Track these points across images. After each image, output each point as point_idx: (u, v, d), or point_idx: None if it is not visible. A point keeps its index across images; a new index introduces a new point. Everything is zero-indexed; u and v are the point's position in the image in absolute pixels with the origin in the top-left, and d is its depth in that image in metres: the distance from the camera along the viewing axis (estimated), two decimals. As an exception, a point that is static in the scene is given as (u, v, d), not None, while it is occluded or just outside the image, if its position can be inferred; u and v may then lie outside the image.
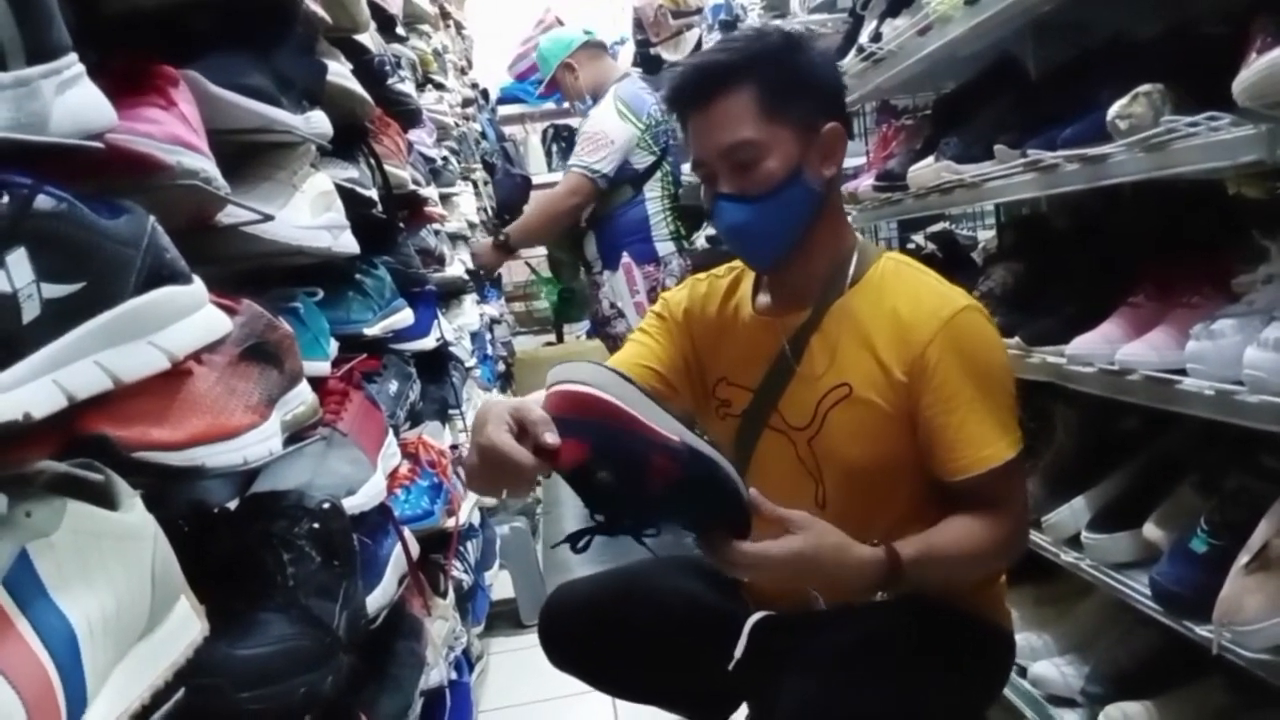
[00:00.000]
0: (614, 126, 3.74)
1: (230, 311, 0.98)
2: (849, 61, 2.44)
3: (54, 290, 0.68)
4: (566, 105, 4.47)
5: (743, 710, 1.60)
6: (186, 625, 0.80)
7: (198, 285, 0.88)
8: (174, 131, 0.94)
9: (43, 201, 0.69)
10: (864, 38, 2.34)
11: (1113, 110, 1.42)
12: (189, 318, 0.85)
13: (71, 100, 0.73)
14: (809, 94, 1.43)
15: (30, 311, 0.66)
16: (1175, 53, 1.49)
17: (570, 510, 4.03)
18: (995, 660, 1.52)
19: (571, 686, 1.64)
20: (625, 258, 3.76)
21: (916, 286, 1.44)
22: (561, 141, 5.68)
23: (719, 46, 1.46)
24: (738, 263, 1.58)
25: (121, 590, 0.71)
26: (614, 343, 3.73)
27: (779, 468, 1.46)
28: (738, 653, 1.37)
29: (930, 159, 2.10)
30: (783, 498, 1.38)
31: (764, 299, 1.53)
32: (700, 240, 4.05)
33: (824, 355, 1.44)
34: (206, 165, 0.97)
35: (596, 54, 3.98)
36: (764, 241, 1.44)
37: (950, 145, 2.03)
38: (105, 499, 0.73)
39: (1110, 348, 1.51)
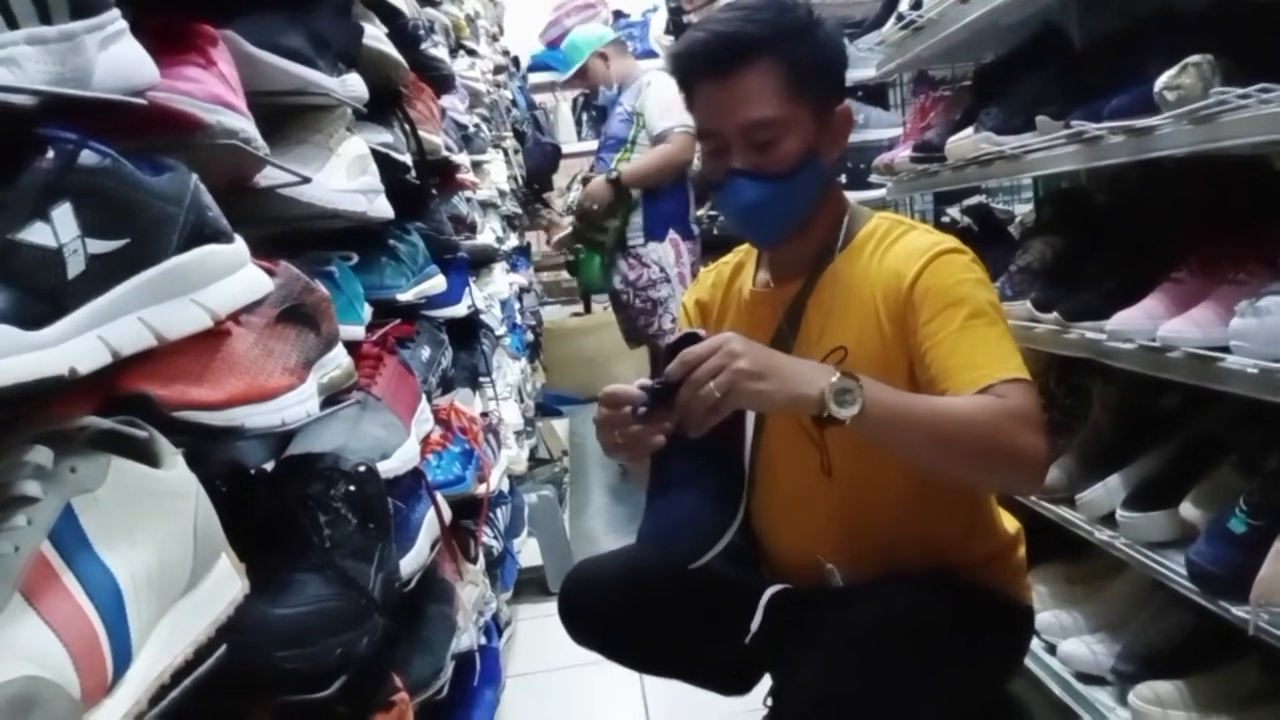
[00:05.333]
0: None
1: (268, 273, 0.98)
2: (888, 29, 2.40)
3: (98, 246, 0.68)
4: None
5: (765, 683, 1.60)
6: (228, 582, 0.80)
7: (239, 244, 0.88)
8: (214, 90, 0.94)
9: (87, 157, 0.68)
10: (904, 5, 2.31)
11: (1161, 81, 1.39)
12: (231, 276, 0.85)
13: (115, 56, 0.73)
14: (827, 74, 1.41)
15: (75, 266, 0.66)
16: (1224, 23, 1.46)
17: (596, 482, 4.05)
18: (1014, 633, 1.51)
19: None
20: (671, 233, 4.04)
21: (904, 238, 1.42)
22: (592, 110, 5.58)
23: (742, 15, 1.37)
24: (743, 246, 1.59)
25: (164, 546, 0.71)
26: (653, 307, 4.02)
27: (784, 439, 1.45)
28: (754, 625, 1.37)
29: (970, 130, 2.07)
30: (788, 468, 1.36)
31: (763, 275, 1.53)
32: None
33: (819, 321, 1.43)
34: (246, 125, 0.97)
35: (623, 49, 4.39)
36: (773, 221, 1.43)
37: (990, 116, 2.00)
38: (148, 456, 0.73)
39: (1152, 324, 1.49)
